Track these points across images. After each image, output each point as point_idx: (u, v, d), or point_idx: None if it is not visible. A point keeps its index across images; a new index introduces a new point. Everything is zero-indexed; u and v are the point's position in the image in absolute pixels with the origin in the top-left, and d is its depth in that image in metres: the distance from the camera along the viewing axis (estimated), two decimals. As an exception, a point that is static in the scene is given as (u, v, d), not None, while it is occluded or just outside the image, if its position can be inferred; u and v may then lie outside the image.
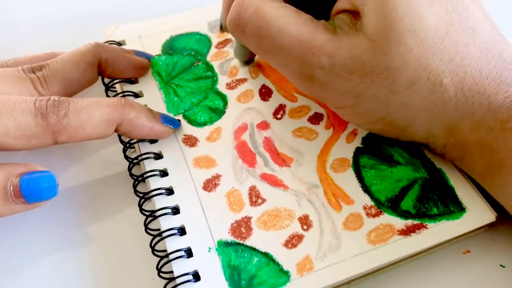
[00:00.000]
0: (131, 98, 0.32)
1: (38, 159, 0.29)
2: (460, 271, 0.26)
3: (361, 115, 0.26)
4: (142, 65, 0.33)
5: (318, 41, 0.25)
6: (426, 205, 0.27)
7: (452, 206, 0.27)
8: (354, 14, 0.25)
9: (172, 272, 0.25)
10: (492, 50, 0.25)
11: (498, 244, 0.27)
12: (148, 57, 0.33)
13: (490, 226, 0.27)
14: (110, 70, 0.32)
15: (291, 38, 0.25)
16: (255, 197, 0.28)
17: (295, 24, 0.25)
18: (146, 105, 0.30)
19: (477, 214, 0.26)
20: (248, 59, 0.33)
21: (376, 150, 0.29)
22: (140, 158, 0.29)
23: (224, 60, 0.34)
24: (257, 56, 0.34)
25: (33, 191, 0.25)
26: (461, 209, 0.27)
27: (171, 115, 0.31)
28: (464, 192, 0.27)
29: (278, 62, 0.27)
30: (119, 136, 0.30)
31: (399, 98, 0.25)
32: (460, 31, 0.24)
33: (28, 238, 0.28)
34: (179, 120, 0.30)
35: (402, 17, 0.23)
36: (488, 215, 0.26)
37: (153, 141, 0.30)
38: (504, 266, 0.26)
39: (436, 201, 0.27)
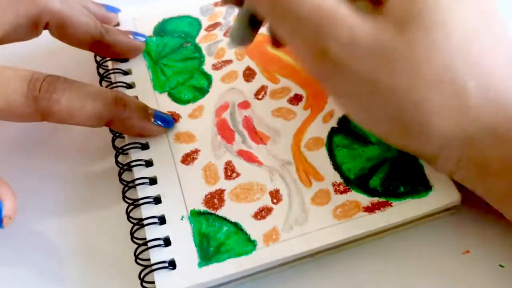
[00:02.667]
0: (120, 75, 0.33)
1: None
2: (459, 271, 0.26)
3: (372, 109, 0.24)
4: (139, 48, 0.34)
5: (339, 12, 0.22)
6: (393, 184, 0.28)
7: (419, 185, 0.27)
8: (376, 2, 0.23)
9: (149, 259, 0.26)
10: None
11: (497, 244, 0.27)
12: (141, 38, 0.35)
13: (455, 209, 0.28)
14: (110, 51, 0.33)
15: (312, 3, 0.22)
16: (230, 172, 0.29)
17: None
18: (143, 103, 0.30)
19: (443, 193, 0.27)
20: (245, 43, 0.32)
21: (351, 130, 0.30)
22: (124, 132, 0.30)
23: (212, 42, 0.35)
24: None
25: None
26: (427, 187, 0.27)
27: (165, 112, 0.31)
28: (433, 170, 0.27)
29: (290, 30, 0.24)
30: None
31: (418, 96, 0.22)
32: (488, 36, 0.23)
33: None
34: (174, 119, 0.31)
35: (431, 7, 0.22)
36: (453, 195, 0.27)
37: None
38: (503, 266, 0.26)
39: (404, 179, 0.28)
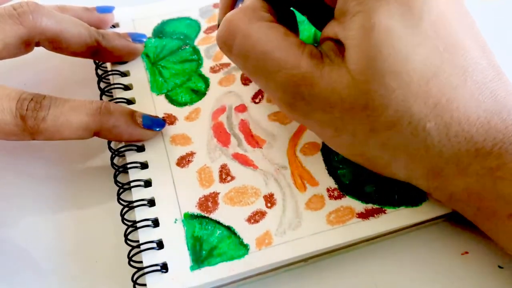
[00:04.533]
0: (118, 77, 0.33)
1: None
2: (458, 272, 0.26)
3: (341, 147, 0.26)
4: (137, 51, 0.34)
5: (300, 70, 0.24)
6: (388, 191, 0.27)
7: (413, 194, 0.27)
8: (338, 45, 0.24)
9: (141, 262, 0.26)
10: (484, 91, 0.23)
11: (496, 245, 0.27)
12: (142, 39, 0.35)
13: (448, 217, 0.28)
14: (107, 56, 0.33)
15: (274, 63, 0.24)
16: (225, 175, 0.29)
17: (280, 49, 0.24)
18: (129, 108, 0.30)
19: (436, 203, 0.27)
20: None
21: (346, 137, 0.30)
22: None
23: (211, 45, 0.35)
24: None
25: None
26: (422, 197, 0.27)
27: (154, 115, 0.31)
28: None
29: (261, 85, 0.26)
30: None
31: (378, 138, 0.24)
32: (449, 72, 0.23)
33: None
34: (164, 120, 0.31)
35: (386, 57, 0.22)
36: (446, 206, 0.27)
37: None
38: (502, 267, 0.26)
39: (398, 187, 0.28)
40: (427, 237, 0.27)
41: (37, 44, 0.31)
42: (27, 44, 0.30)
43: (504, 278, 0.26)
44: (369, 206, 0.27)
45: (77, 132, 0.28)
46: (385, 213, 0.27)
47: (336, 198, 0.28)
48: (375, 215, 0.27)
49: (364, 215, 0.27)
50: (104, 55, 0.33)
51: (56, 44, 0.31)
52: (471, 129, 0.23)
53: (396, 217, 0.27)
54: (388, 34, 0.22)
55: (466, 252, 0.27)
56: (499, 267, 0.26)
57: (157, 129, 0.30)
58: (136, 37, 0.34)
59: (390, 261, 0.27)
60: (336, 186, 0.28)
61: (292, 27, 0.28)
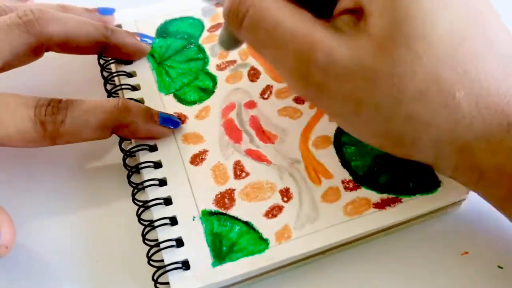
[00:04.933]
0: (124, 77, 0.33)
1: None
2: (458, 272, 0.26)
3: (361, 127, 0.24)
4: (145, 50, 0.34)
5: (317, 36, 0.23)
6: (402, 180, 0.28)
7: (427, 181, 0.28)
8: (357, 14, 0.23)
9: (163, 260, 0.26)
10: (509, 64, 0.22)
11: (496, 245, 0.27)
12: (149, 40, 0.35)
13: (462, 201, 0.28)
14: (116, 52, 0.33)
15: (287, 31, 0.23)
16: (239, 171, 0.29)
17: (292, 18, 0.23)
18: (146, 106, 0.30)
19: (451, 188, 0.27)
20: (233, 48, 0.31)
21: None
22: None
23: (216, 43, 0.35)
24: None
25: None
26: (436, 183, 0.28)
27: (170, 113, 0.31)
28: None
29: (272, 56, 0.25)
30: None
31: (405, 110, 0.22)
32: (476, 40, 0.22)
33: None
34: (180, 119, 0.31)
35: (413, 20, 0.21)
36: (462, 190, 0.27)
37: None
38: (502, 267, 0.26)
39: (412, 176, 0.28)
40: (427, 237, 0.28)
41: (47, 50, 0.31)
42: (36, 52, 0.30)
43: (504, 278, 0.26)
44: (385, 196, 0.27)
45: (96, 131, 0.28)
46: (401, 202, 0.27)
47: (351, 189, 0.28)
48: (391, 204, 0.27)
49: (380, 205, 0.27)
50: (112, 51, 0.33)
51: (65, 47, 0.31)
52: (501, 100, 0.22)
53: (413, 205, 0.27)
54: None
55: (466, 252, 0.27)
56: (499, 267, 0.27)
57: (172, 126, 0.30)
58: (144, 38, 0.34)
59: (390, 261, 0.27)
60: (350, 177, 0.28)
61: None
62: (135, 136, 0.29)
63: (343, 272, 0.27)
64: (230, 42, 0.30)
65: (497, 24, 0.23)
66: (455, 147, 0.23)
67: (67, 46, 0.31)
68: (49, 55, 0.33)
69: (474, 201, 0.28)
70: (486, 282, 0.26)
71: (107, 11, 0.36)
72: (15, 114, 0.26)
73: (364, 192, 0.28)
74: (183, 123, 0.31)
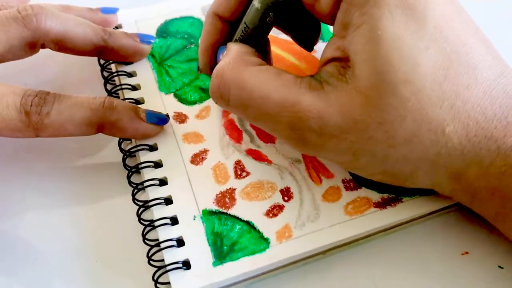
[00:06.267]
0: (125, 77, 0.33)
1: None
2: (458, 272, 0.26)
3: (360, 170, 0.26)
4: (144, 52, 0.34)
5: (303, 104, 0.23)
6: (403, 180, 0.28)
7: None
8: (343, 62, 0.23)
9: (163, 260, 0.26)
10: (495, 87, 0.23)
11: (496, 246, 0.27)
12: (150, 40, 0.34)
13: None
14: (114, 55, 0.33)
15: (275, 106, 0.24)
16: (240, 171, 0.29)
17: (277, 90, 0.24)
18: (132, 104, 0.30)
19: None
20: None
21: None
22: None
23: (216, 43, 0.35)
24: None
25: None
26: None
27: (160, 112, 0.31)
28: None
29: (267, 129, 0.26)
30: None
31: (399, 152, 0.23)
32: (459, 72, 0.22)
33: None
34: (167, 116, 0.31)
35: (397, 67, 0.22)
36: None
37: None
38: (502, 267, 0.26)
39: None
40: (427, 237, 0.28)
41: (43, 46, 0.31)
42: (31, 46, 0.30)
43: (504, 278, 0.26)
44: (385, 195, 0.27)
45: (80, 127, 0.28)
46: (401, 201, 0.27)
47: (352, 189, 0.28)
48: (392, 204, 0.27)
49: (381, 205, 0.27)
50: (110, 53, 0.33)
51: (61, 45, 0.31)
52: (489, 126, 0.23)
53: (413, 206, 0.27)
54: (396, 42, 0.22)
55: (467, 252, 0.27)
56: (499, 267, 0.27)
57: (159, 123, 0.30)
58: (144, 38, 0.34)
59: (390, 261, 0.27)
60: (351, 177, 0.28)
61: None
62: (122, 133, 0.29)
63: (343, 271, 0.27)
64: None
65: (480, 48, 0.23)
66: (448, 175, 0.24)
67: (63, 45, 0.31)
68: (50, 55, 0.33)
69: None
70: (486, 282, 0.26)
71: (110, 10, 0.36)
72: (1, 102, 0.27)
73: (365, 192, 0.28)
74: (183, 122, 0.31)
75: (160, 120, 0.30)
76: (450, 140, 0.23)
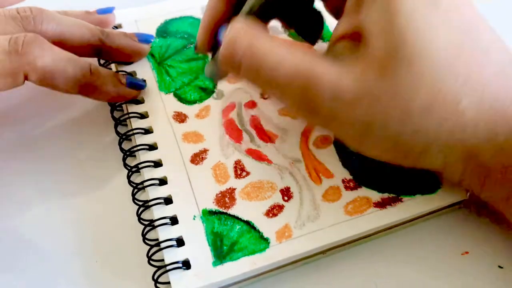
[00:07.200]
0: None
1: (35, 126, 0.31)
2: (458, 272, 0.27)
3: (371, 145, 0.25)
4: (143, 51, 0.34)
5: (318, 71, 0.23)
6: (403, 180, 0.28)
7: (428, 181, 0.28)
8: (355, 37, 0.24)
9: (163, 260, 0.26)
10: (507, 70, 0.23)
11: (496, 245, 0.27)
12: (149, 39, 0.34)
13: (464, 204, 0.28)
14: (112, 55, 0.33)
15: (289, 70, 0.23)
16: (239, 170, 0.29)
17: (292, 56, 0.24)
18: (116, 76, 0.31)
19: (451, 190, 0.27)
20: (218, 80, 0.33)
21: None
22: (130, 133, 0.30)
23: (216, 43, 0.35)
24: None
25: None
26: (436, 184, 0.28)
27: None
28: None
29: (278, 95, 0.25)
30: (120, 141, 0.31)
31: (412, 126, 0.23)
32: (473, 51, 0.22)
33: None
34: (145, 81, 0.32)
35: (414, 39, 0.22)
36: (461, 193, 0.27)
37: (143, 116, 0.31)
38: (502, 267, 0.27)
39: (413, 176, 0.28)
40: (427, 237, 0.28)
41: None
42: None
43: (504, 278, 0.26)
44: (385, 195, 0.27)
45: (68, 82, 0.29)
46: (401, 201, 0.27)
47: (352, 188, 0.28)
48: (392, 204, 0.27)
49: (381, 205, 0.27)
50: (108, 54, 0.33)
51: (59, 46, 0.31)
52: (504, 103, 0.22)
53: (413, 205, 0.27)
54: (413, 16, 0.22)
55: (467, 252, 0.27)
56: (499, 267, 0.27)
57: (141, 88, 0.32)
58: (143, 38, 0.34)
59: (390, 261, 0.27)
60: (351, 177, 0.28)
61: None
62: (105, 96, 0.31)
63: (343, 272, 0.27)
64: (216, 75, 0.29)
65: (490, 34, 0.24)
66: (462, 153, 0.23)
67: (61, 46, 0.30)
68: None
69: (475, 201, 0.28)
70: (486, 282, 0.26)
71: (106, 10, 0.36)
72: None
73: (365, 191, 0.28)
74: (183, 122, 0.31)
75: (138, 85, 0.32)
76: (464, 114, 0.22)
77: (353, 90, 0.23)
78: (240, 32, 0.25)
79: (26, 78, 0.29)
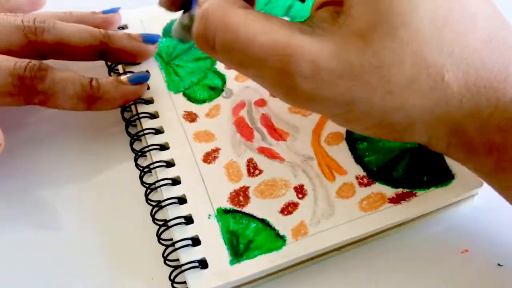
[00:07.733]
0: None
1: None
2: (458, 270, 0.27)
3: (355, 122, 0.24)
4: (148, 52, 0.34)
5: (294, 46, 0.21)
6: (416, 174, 0.28)
7: (441, 174, 0.28)
8: (336, 7, 0.22)
9: (178, 260, 0.26)
10: (494, 37, 0.22)
11: (496, 243, 0.27)
12: (155, 39, 0.34)
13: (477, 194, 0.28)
14: (117, 57, 0.33)
15: (265, 43, 0.22)
16: (252, 169, 0.29)
17: (265, 31, 0.22)
18: (116, 80, 0.31)
19: (465, 181, 0.28)
20: (185, 41, 0.31)
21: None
22: (141, 133, 0.30)
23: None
24: None
25: None
26: (450, 176, 0.28)
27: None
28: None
29: (254, 75, 0.24)
30: (131, 141, 0.31)
31: (397, 99, 0.22)
32: (459, 19, 0.21)
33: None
34: (148, 71, 0.32)
35: (396, 8, 0.21)
36: (476, 182, 0.27)
37: (154, 116, 0.31)
38: (501, 265, 0.27)
39: (426, 169, 0.28)
40: (427, 235, 0.28)
41: (43, 57, 0.31)
42: (28, 54, 0.30)
43: (504, 276, 0.26)
44: (399, 190, 0.27)
45: (71, 100, 0.29)
46: (416, 196, 0.27)
47: (366, 185, 0.28)
48: (406, 198, 0.27)
49: (395, 200, 0.27)
50: (112, 56, 0.33)
51: (61, 54, 0.31)
52: (489, 76, 0.22)
53: (428, 199, 0.27)
54: None
55: (466, 250, 0.27)
56: (499, 265, 0.27)
57: (142, 81, 0.32)
58: (149, 38, 0.34)
59: (390, 259, 0.27)
60: (364, 173, 0.28)
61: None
62: (113, 104, 0.31)
63: (343, 271, 0.27)
64: (183, 35, 0.28)
65: (476, 1, 0.23)
66: (447, 127, 0.23)
67: (64, 53, 0.31)
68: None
69: (475, 199, 0.28)
70: (485, 279, 0.26)
71: (111, 10, 0.36)
72: None
73: (378, 187, 0.28)
74: (193, 121, 0.31)
75: (141, 78, 0.32)
76: (449, 87, 0.22)
77: (334, 64, 0.21)
78: (212, 5, 0.23)
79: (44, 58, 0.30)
